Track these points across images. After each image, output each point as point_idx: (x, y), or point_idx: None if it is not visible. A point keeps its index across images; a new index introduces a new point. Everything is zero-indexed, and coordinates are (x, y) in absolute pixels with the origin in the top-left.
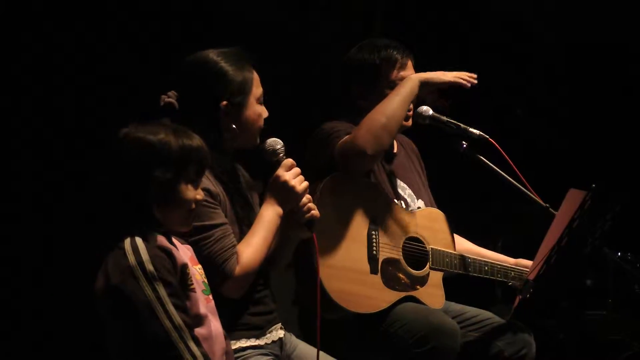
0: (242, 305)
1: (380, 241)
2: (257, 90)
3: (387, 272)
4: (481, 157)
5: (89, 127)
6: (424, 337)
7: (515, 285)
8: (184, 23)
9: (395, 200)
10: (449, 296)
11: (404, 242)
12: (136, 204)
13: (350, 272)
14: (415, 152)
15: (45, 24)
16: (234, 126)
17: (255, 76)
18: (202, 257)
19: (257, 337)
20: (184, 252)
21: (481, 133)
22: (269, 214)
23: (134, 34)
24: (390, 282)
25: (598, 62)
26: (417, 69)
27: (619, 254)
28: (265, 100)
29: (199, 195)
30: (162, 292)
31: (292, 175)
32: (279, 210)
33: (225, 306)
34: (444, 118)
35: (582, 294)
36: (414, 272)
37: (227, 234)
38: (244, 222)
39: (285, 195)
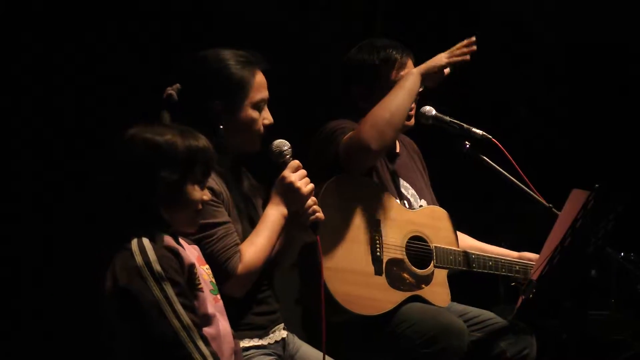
0: (245, 305)
1: (383, 242)
2: (257, 95)
3: (392, 272)
4: (484, 157)
5: (90, 127)
6: (432, 338)
7: (519, 279)
8: (184, 23)
9: (398, 200)
10: (452, 296)
11: (407, 242)
12: (143, 205)
13: (354, 275)
14: (417, 152)
15: (44, 24)
16: (221, 127)
17: (258, 81)
18: (205, 256)
19: (260, 337)
20: (191, 253)
21: (484, 133)
22: (274, 214)
23: (134, 34)
24: (395, 282)
25: (599, 62)
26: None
27: (622, 254)
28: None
29: (206, 195)
30: (170, 291)
31: (298, 177)
32: (283, 211)
33: (229, 306)
34: (447, 118)
35: (585, 294)
36: (418, 271)
37: (230, 233)
38: (247, 222)
39: (290, 196)
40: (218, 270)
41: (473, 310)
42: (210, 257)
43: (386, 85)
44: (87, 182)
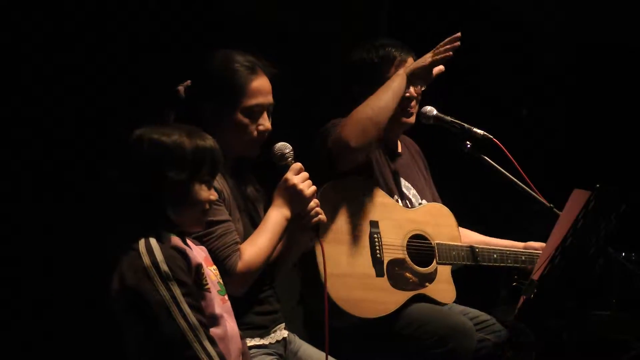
0: (246, 305)
1: (383, 243)
2: (250, 100)
3: (394, 273)
4: (485, 157)
5: (95, 126)
6: (442, 338)
7: (526, 266)
8: (184, 23)
9: (399, 200)
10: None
11: (408, 241)
12: (150, 205)
13: (355, 279)
14: (419, 152)
15: (50, 23)
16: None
17: (255, 86)
18: None
19: (262, 337)
20: (199, 253)
21: (485, 133)
22: (276, 216)
23: (134, 34)
24: (398, 283)
25: (600, 62)
26: None
27: (624, 254)
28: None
29: (213, 195)
30: (177, 292)
31: (300, 179)
32: (286, 213)
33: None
34: (448, 118)
35: (587, 294)
36: (421, 269)
37: (230, 231)
38: (248, 222)
39: (293, 198)
40: (217, 268)
41: (473, 311)
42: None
43: (384, 82)
44: (95, 182)
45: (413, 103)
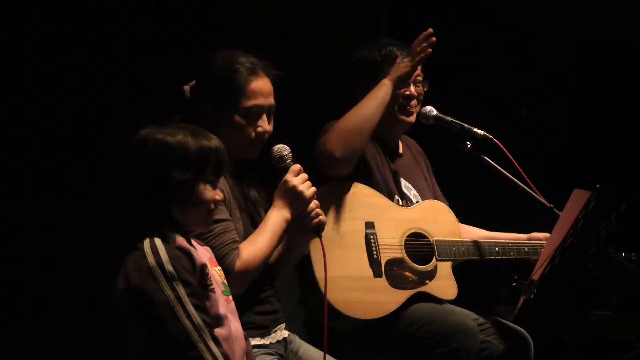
0: (247, 305)
1: (379, 243)
2: (249, 102)
3: (392, 273)
4: (485, 157)
5: (98, 125)
6: (445, 338)
7: (530, 257)
8: (184, 23)
9: (400, 200)
10: (455, 298)
11: (406, 240)
12: (155, 205)
13: (353, 281)
14: (421, 153)
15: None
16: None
17: (255, 88)
18: None
19: (262, 337)
20: (203, 254)
21: (485, 133)
22: (276, 217)
23: (134, 34)
24: (397, 282)
25: (601, 62)
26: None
27: (624, 254)
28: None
29: (218, 195)
30: (182, 292)
31: (300, 180)
32: (286, 214)
33: None
34: (448, 118)
35: (587, 294)
36: (420, 267)
37: (228, 230)
38: (249, 222)
39: (293, 200)
40: None
41: (472, 314)
42: None
43: None
44: (97, 182)
45: (414, 102)
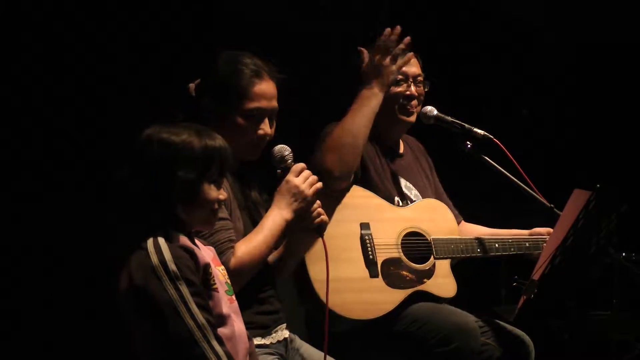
0: (247, 304)
1: (375, 243)
2: (251, 104)
3: (389, 272)
4: (485, 157)
5: (101, 124)
6: (446, 337)
7: (532, 253)
8: (184, 23)
9: (400, 200)
10: (454, 298)
11: (403, 239)
12: (159, 205)
13: (349, 282)
14: (421, 150)
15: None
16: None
17: (258, 90)
18: None
19: (263, 336)
20: (207, 253)
21: (485, 133)
22: (274, 217)
23: (134, 34)
24: (395, 282)
25: (601, 62)
26: (423, 70)
27: (624, 254)
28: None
29: (222, 195)
30: (185, 291)
31: (301, 180)
32: (285, 214)
33: None
34: (449, 118)
35: (587, 295)
36: (417, 266)
37: (225, 229)
38: (249, 222)
39: (294, 199)
40: None
41: (472, 316)
42: None
43: None
44: (104, 182)
45: (414, 102)
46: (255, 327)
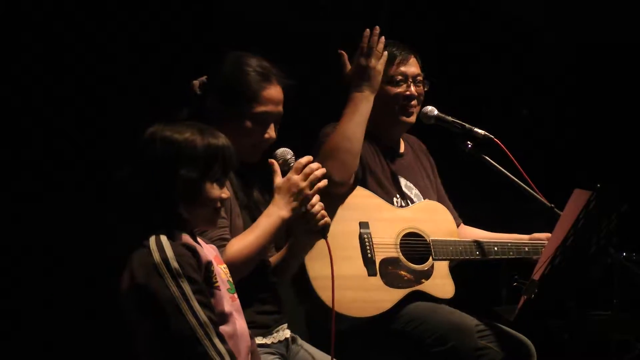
0: (249, 304)
1: (374, 242)
2: (260, 107)
3: (387, 272)
4: (486, 157)
5: (102, 123)
6: (443, 336)
7: (531, 257)
8: (184, 23)
9: (401, 200)
10: (454, 298)
11: (402, 239)
12: (161, 203)
13: (346, 280)
14: (423, 150)
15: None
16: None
17: (268, 95)
18: None
19: (264, 336)
20: (209, 251)
21: (486, 133)
22: (271, 215)
23: (134, 34)
24: (393, 281)
25: (602, 62)
26: (422, 70)
27: (624, 254)
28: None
29: (225, 194)
30: (187, 289)
31: (302, 178)
32: (283, 213)
33: None
34: (449, 118)
35: (588, 294)
36: (416, 267)
37: (220, 227)
38: (249, 220)
39: (293, 198)
40: None
41: (475, 319)
42: None
43: (385, 81)
44: (104, 181)
45: (414, 102)
46: (256, 327)
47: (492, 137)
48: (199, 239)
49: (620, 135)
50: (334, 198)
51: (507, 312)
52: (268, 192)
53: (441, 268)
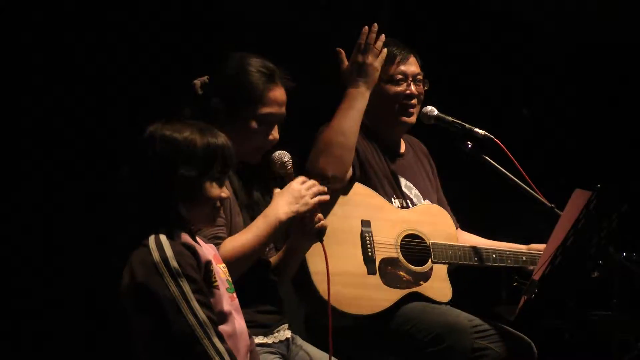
0: (249, 303)
1: (375, 242)
2: (265, 109)
3: (386, 271)
4: (486, 157)
5: (102, 122)
6: (438, 336)
7: (527, 267)
8: (184, 23)
9: (396, 200)
10: (454, 298)
11: (402, 240)
12: (161, 202)
13: (346, 276)
14: (424, 152)
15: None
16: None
17: (272, 96)
18: None
19: (265, 335)
20: (208, 251)
21: (486, 133)
22: (268, 216)
23: (134, 34)
24: (391, 281)
25: (602, 62)
26: (423, 70)
27: (625, 254)
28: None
29: (224, 193)
30: (187, 288)
31: (305, 187)
32: (280, 215)
33: None
34: (449, 118)
35: (587, 294)
36: (415, 268)
37: (216, 225)
38: (248, 219)
39: (294, 201)
40: None
41: (475, 319)
42: None
43: (386, 79)
44: (105, 180)
45: (414, 101)
46: (257, 326)
47: (492, 137)
48: (197, 238)
49: (620, 135)
50: (334, 195)
51: (507, 312)
52: (268, 192)
53: (440, 271)
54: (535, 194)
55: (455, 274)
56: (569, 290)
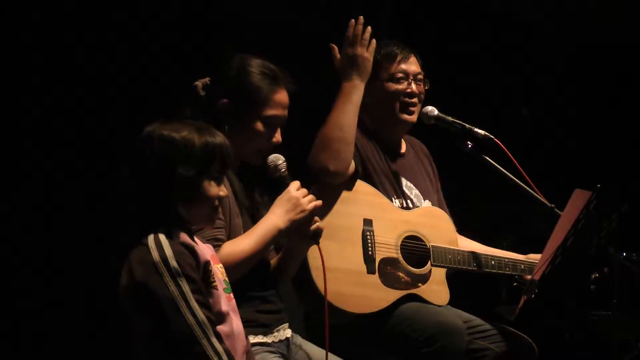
0: (250, 303)
1: (376, 241)
2: (270, 111)
3: (386, 271)
4: (486, 158)
5: (102, 122)
6: (432, 336)
7: (522, 280)
8: (184, 23)
9: (396, 200)
10: (454, 298)
11: (402, 241)
12: (159, 201)
13: (345, 274)
14: (425, 153)
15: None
16: (226, 127)
17: (277, 98)
18: None
19: (265, 334)
20: (206, 251)
21: (486, 133)
22: (267, 223)
23: (134, 34)
24: (390, 281)
25: (602, 62)
26: (423, 70)
27: (625, 254)
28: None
29: (222, 192)
30: (186, 288)
31: (301, 194)
32: (279, 223)
33: None
34: (449, 118)
35: (587, 294)
36: (414, 270)
37: (215, 227)
38: (248, 220)
39: (291, 210)
40: None
41: (476, 319)
42: None
43: (387, 78)
44: (105, 180)
45: (414, 100)
46: (257, 325)
47: (492, 137)
48: (195, 238)
49: (620, 135)
50: (331, 191)
51: (507, 312)
52: (268, 193)
53: (438, 274)
54: (535, 194)
55: (456, 274)
56: (569, 290)
